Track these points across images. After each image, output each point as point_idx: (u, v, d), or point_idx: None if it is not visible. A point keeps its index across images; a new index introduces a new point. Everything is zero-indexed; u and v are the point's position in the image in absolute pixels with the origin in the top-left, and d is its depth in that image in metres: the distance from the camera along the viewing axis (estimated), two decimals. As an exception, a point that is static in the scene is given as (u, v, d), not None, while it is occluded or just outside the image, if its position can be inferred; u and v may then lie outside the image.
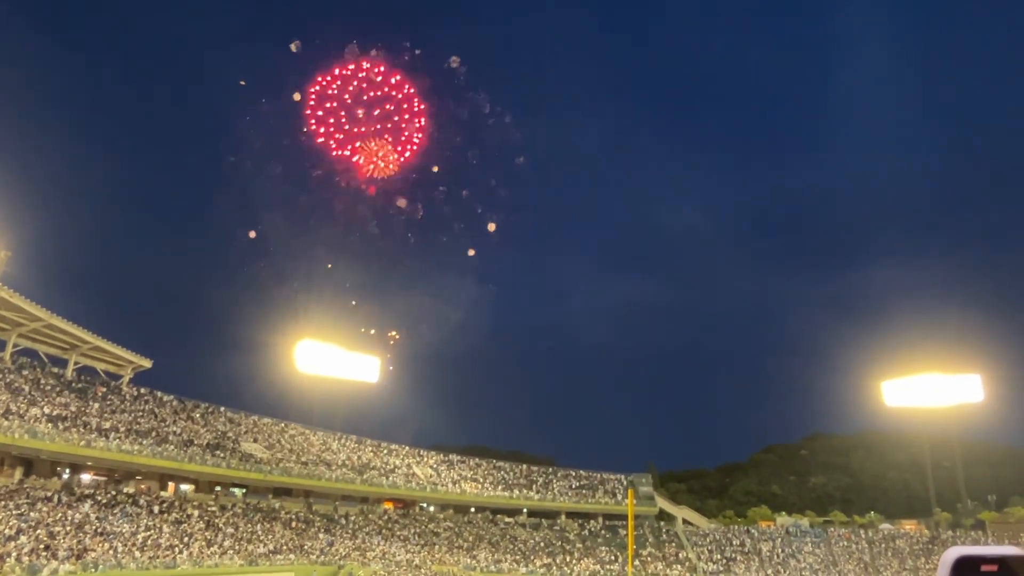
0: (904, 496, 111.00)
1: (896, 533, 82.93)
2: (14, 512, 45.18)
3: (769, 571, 76.62)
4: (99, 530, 48.47)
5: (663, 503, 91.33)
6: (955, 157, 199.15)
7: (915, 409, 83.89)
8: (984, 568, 2.66)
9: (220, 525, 58.60)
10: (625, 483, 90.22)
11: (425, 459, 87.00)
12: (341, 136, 62.92)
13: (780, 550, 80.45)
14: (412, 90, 62.67)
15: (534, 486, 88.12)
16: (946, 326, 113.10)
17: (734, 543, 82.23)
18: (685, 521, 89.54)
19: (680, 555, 79.96)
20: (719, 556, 79.86)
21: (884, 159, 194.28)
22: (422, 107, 63.55)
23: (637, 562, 76.74)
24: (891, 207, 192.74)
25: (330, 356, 79.41)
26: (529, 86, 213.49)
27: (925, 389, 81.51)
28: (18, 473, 52.17)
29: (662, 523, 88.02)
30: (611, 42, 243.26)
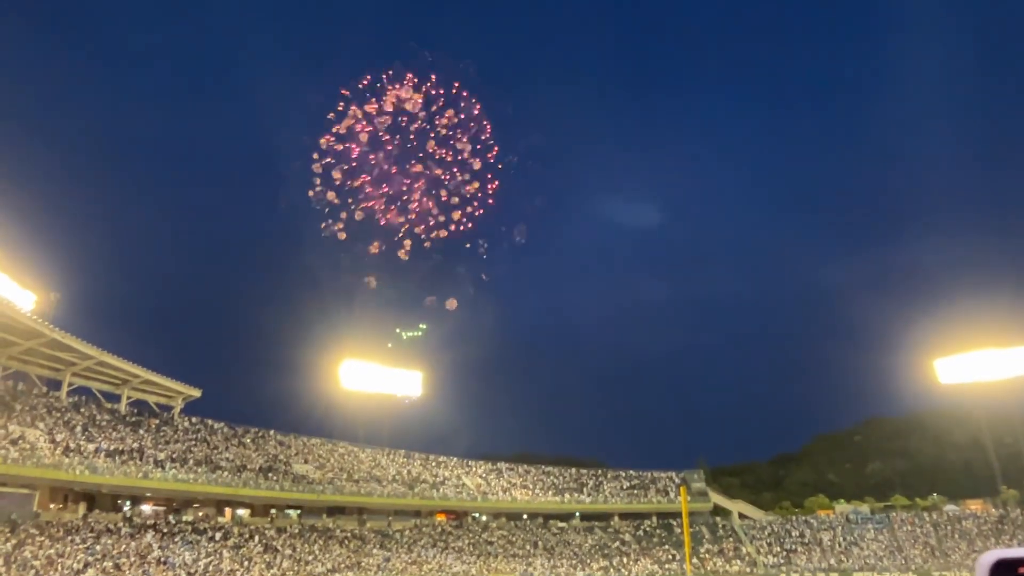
0: (966, 476, 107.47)
1: (962, 514, 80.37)
2: (81, 546, 46.43)
3: (832, 560, 74.93)
4: (162, 559, 49.52)
5: (717, 498, 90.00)
6: (998, 124, 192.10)
7: (971, 385, 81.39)
8: (1022, 571, 2.59)
9: (278, 547, 59.43)
10: (677, 480, 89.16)
11: (474, 469, 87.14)
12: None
13: (841, 538, 78.61)
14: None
15: (585, 489, 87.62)
16: (998, 299, 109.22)
17: (793, 534, 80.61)
18: (741, 515, 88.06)
19: (739, 550, 78.67)
20: (779, 548, 78.39)
21: (929, 134, 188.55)
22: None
23: (695, 559, 75.70)
24: (936, 181, 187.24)
25: (373, 373, 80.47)
26: (527, 77, 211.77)
27: (981, 365, 79.19)
28: (82, 508, 53.66)
29: (718, 518, 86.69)
30: (609, 21, 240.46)
